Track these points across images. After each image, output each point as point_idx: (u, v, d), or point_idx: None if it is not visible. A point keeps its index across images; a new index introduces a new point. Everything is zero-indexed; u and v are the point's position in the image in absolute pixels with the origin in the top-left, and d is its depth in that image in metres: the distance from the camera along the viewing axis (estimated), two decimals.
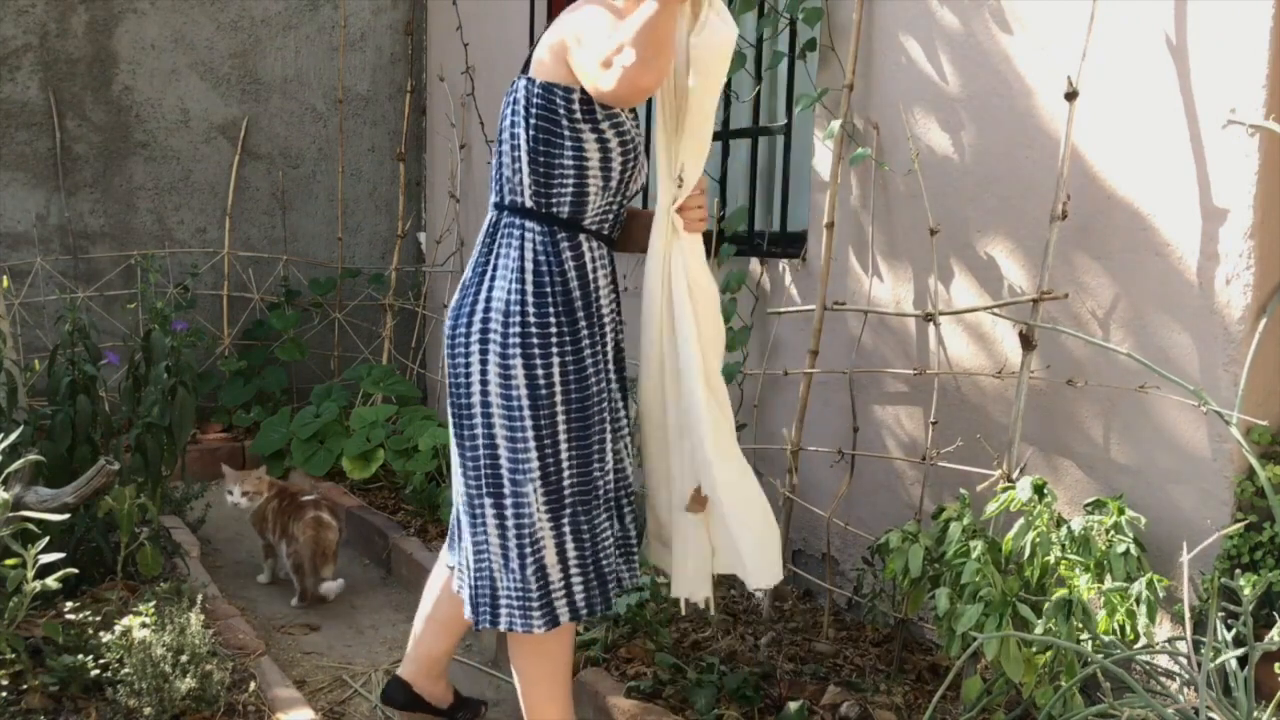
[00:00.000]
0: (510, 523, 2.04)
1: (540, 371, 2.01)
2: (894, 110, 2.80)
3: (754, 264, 3.29)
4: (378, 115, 5.39)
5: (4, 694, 2.22)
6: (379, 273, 5.25)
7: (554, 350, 2.02)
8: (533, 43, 4.25)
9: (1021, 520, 2.16)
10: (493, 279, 2.06)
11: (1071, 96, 2.30)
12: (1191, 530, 2.17)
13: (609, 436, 2.12)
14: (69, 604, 2.59)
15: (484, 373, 2.03)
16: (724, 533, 2.08)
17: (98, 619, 2.48)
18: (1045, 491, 2.18)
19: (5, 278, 3.56)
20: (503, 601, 2.08)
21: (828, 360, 2.97)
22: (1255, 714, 1.72)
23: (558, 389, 2.02)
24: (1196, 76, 2.15)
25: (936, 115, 2.70)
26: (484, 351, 2.03)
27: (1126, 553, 2.06)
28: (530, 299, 2.02)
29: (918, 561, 2.27)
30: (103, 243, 5.00)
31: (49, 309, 4.83)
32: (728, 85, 3.26)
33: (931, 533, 2.32)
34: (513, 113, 2.06)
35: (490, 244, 2.10)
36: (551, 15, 4.29)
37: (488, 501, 2.07)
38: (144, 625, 2.32)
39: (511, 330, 2.01)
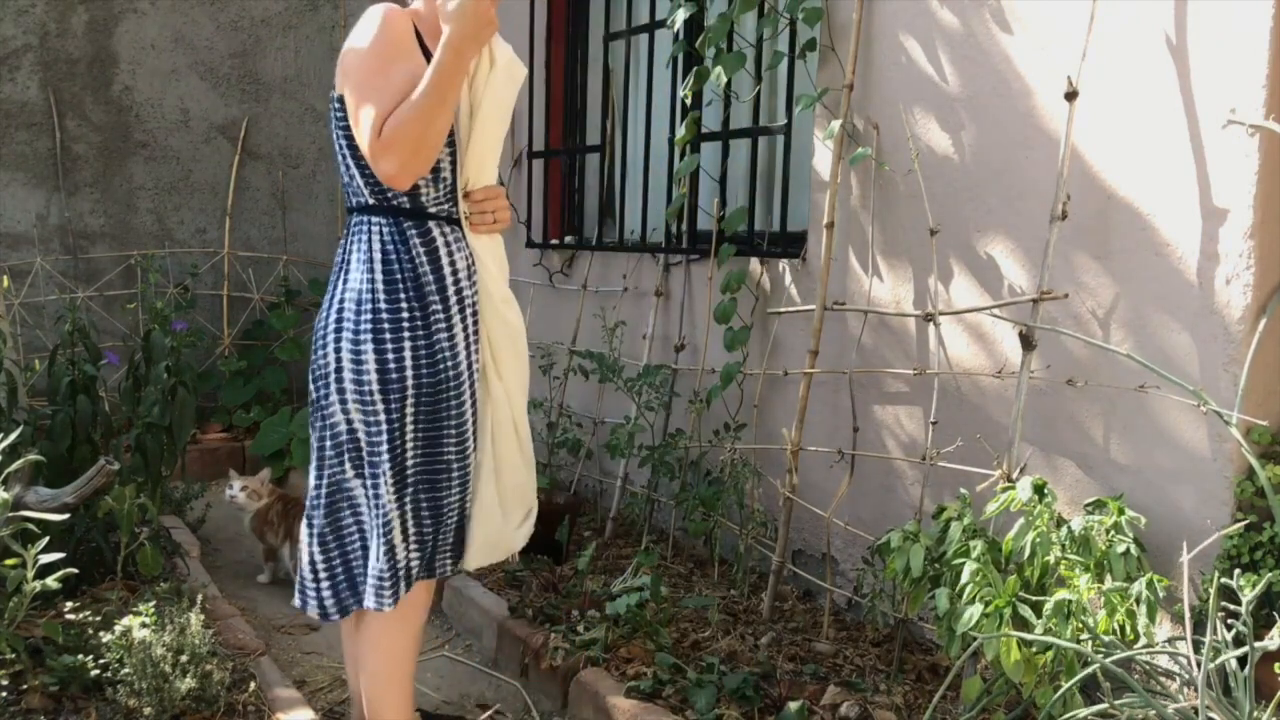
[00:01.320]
0: (373, 504, 2.11)
1: (391, 356, 2.06)
2: (894, 110, 2.80)
3: (754, 264, 3.29)
4: None
5: (4, 694, 2.22)
6: None
7: (405, 334, 2.07)
8: (532, 41, 4.25)
9: (1021, 520, 2.16)
10: (348, 273, 2.12)
11: (1071, 96, 2.30)
12: (1191, 530, 2.17)
13: (471, 416, 2.14)
14: (69, 604, 2.59)
15: (338, 360, 2.08)
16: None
17: (98, 619, 2.48)
18: (1045, 491, 2.18)
19: (5, 278, 3.57)
20: (370, 583, 2.11)
21: (828, 360, 2.97)
22: (1255, 714, 1.72)
23: (409, 372, 2.07)
24: (1196, 76, 2.15)
25: (936, 115, 2.70)
26: (338, 339, 2.08)
27: (1126, 553, 2.06)
28: (381, 286, 2.07)
29: (919, 561, 2.27)
30: (103, 243, 5.00)
31: (49, 309, 4.83)
32: (728, 85, 3.26)
33: (932, 533, 2.32)
34: (334, 124, 2.13)
35: (345, 244, 2.17)
36: (551, 15, 4.28)
37: (360, 484, 2.12)
38: (144, 625, 2.31)
39: (363, 317, 2.06)
